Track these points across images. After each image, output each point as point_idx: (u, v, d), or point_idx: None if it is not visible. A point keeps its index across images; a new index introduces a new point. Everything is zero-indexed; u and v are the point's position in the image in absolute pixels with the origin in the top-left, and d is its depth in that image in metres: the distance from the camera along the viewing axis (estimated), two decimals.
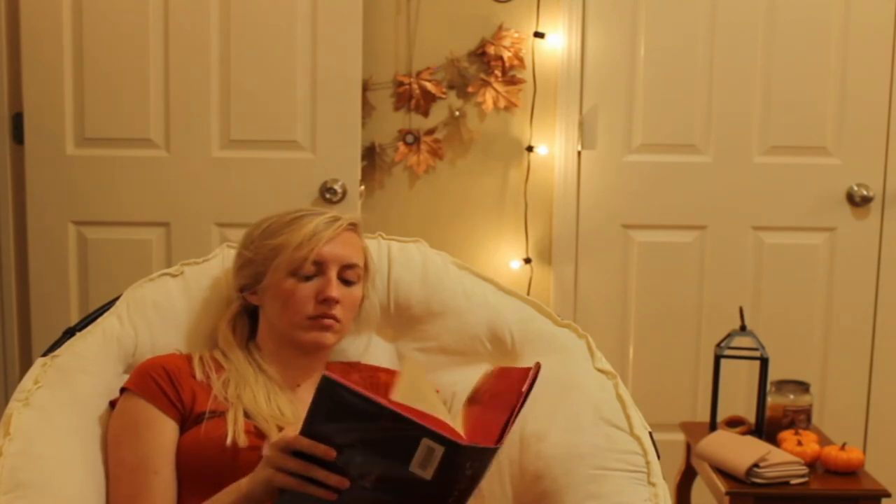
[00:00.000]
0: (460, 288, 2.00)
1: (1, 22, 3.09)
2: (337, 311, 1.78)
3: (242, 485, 1.53)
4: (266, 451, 1.60)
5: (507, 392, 1.48)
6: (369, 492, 1.39)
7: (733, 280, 3.39)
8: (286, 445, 1.41)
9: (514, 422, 1.44)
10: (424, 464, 1.36)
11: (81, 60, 3.02)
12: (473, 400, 1.57)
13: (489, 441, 1.38)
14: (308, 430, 1.39)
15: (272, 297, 1.79)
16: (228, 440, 1.64)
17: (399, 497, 1.39)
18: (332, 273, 1.79)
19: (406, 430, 1.35)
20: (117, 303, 1.91)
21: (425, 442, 1.35)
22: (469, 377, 1.80)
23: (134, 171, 3.07)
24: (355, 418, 1.36)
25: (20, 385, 1.76)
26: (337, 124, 3.04)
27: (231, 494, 1.54)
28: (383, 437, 1.36)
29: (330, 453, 1.37)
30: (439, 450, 1.35)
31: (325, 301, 1.77)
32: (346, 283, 1.81)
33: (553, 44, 3.27)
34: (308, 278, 1.78)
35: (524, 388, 1.47)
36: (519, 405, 1.46)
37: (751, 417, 2.88)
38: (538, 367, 1.53)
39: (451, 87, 3.29)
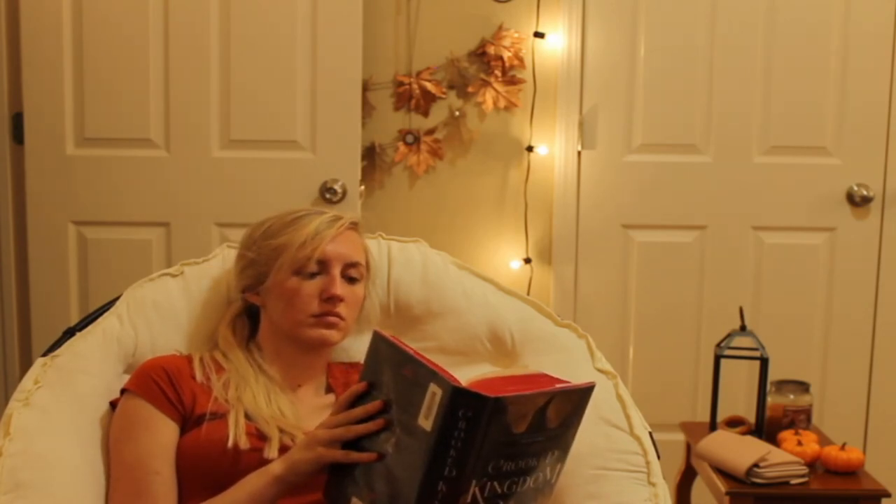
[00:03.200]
0: (460, 288, 2.00)
1: (1, 22, 3.09)
2: (341, 308, 1.78)
3: (274, 469, 1.56)
4: (300, 438, 1.64)
5: (541, 382, 1.46)
6: (393, 456, 1.42)
7: (733, 280, 3.39)
8: (343, 419, 1.48)
9: (534, 403, 1.39)
10: (428, 412, 1.37)
11: (81, 60, 3.02)
12: (498, 375, 1.55)
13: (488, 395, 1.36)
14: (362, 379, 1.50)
15: (276, 296, 1.79)
16: (230, 443, 1.65)
17: (410, 458, 1.39)
18: (336, 271, 1.79)
19: (420, 375, 1.39)
20: (117, 303, 1.91)
21: (431, 387, 1.37)
22: (469, 377, 1.80)
23: (134, 171, 3.07)
24: (390, 368, 1.44)
25: (20, 385, 1.76)
26: (337, 124, 3.04)
27: (261, 478, 1.57)
28: (406, 387, 1.41)
29: (377, 404, 1.45)
30: (439, 393, 1.36)
31: (330, 299, 1.77)
32: (350, 281, 1.81)
33: (553, 44, 3.27)
34: (312, 277, 1.78)
35: (561, 385, 1.44)
36: (542, 390, 1.41)
37: (751, 417, 2.88)
38: (592, 384, 1.48)
39: (451, 87, 3.29)
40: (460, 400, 1.34)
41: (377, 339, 1.49)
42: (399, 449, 1.42)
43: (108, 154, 3.06)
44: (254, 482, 1.57)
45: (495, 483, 1.41)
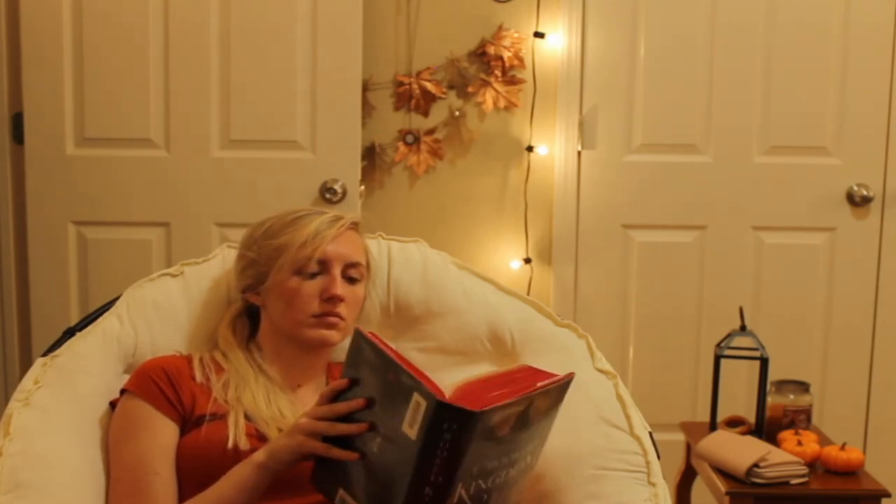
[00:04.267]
0: (460, 288, 2.00)
1: (1, 22, 3.09)
2: (342, 309, 1.78)
3: (257, 457, 1.56)
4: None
5: (522, 381, 1.46)
6: (378, 455, 1.41)
7: (733, 280, 3.39)
8: (327, 412, 1.48)
9: (515, 408, 1.39)
10: (412, 421, 1.36)
11: (81, 60, 3.02)
12: (480, 378, 1.54)
13: (473, 407, 1.35)
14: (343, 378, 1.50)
15: (276, 296, 1.79)
16: (230, 443, 1.65)
17: (395, 461, 1.39)
18: (337, 271, 1.79)
19: (403, 383, 1.38)
20: (117, 303, 1.91)
21: (415, 397, 1.36)
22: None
23: (134, 171, 3.07)
24: (373, 369, 1.43)
25: (20, 385, 1.76)
26: (337, 124, 3.04)
27: (245, 467, 1.57)
28: (389, 391, 1.40)
29: (360, 401, 1.44)
30: (423, 405, 1.35)
31: (331, 299, 1.77)
32: (350, 281, 1.81)
33: (553, 44, 3.27)
34: (312, 277, 1.78)
35: (541, 383, 1.44)
36: (525, 393, 1.41)
37: (751, 417, 2.88)
38: (570, 376, 1.49)
39: (451, 87, 3.29)
40: (445, 414, 1.34)
41: (359, 339, 1.47)
42: (383, 450, 1.41)
43: (108, 154, 3.06)
44: (238, 472, 1.58)
45: (480, 481, 1.41)
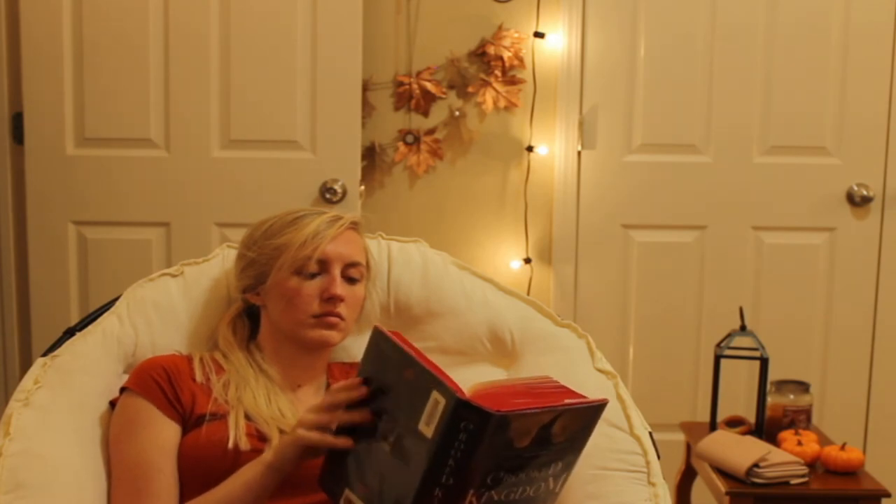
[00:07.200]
0: (460, 288, 2.00)
1: (1, 22, 3.09)
2: (342, 309, 1.78)
3: (266, 457, 1.57)
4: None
5: (549, 395, 1.43)
6: (389, 455, 1.41)
7: (733, 280, 3.39)
8: (327, 402, 1.48)
9: (537, 419, 1.36)
10: (429, 419, 1.35)
11: (81, 60, 3.02)
12: (505, 383, 1.52)
13: (493, 409, 1.33)
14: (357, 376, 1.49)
15: (276, 296, 1.79)
16: (230, 444, 1.65)
17: (407, 461, 1.38)
18: (337, 271, 1.79)
19: (422, 380, 1.37)
20: (117, 303, 1.91)
21: (434, 395, 1.35)
22: (469, 377, 1.79)
23: (134, 171, 3.07)
24: (391, 367, 1.42)
25: (20, 385, 1.76)
26: (337, 124, 3.04)
27: (254, 467, 1.57)
28: (407, 389, 1.39)
29: (361, 390, 1.45)
30: (441, 402, 1.33)
31: (331, 299, 1.77)
32: (350, 281, 1.81)
33: (553, 44, 3.27)
34: (312, 277, 1.78)
35: (569, 401, 1.40)
36: (549, 406, 1.38)
37: (751, 417, 2.88)
38: (603, 401, 1.44)
39: (451, 87, 3.29)
40: (463, 413, 1.32)
41: (378, 337, 1.47)
42: (397, 449, 1.40)
43: (108, 154, 3.06)
44: (247, 471, 1.58)
45: (493, 492, 1.39)
